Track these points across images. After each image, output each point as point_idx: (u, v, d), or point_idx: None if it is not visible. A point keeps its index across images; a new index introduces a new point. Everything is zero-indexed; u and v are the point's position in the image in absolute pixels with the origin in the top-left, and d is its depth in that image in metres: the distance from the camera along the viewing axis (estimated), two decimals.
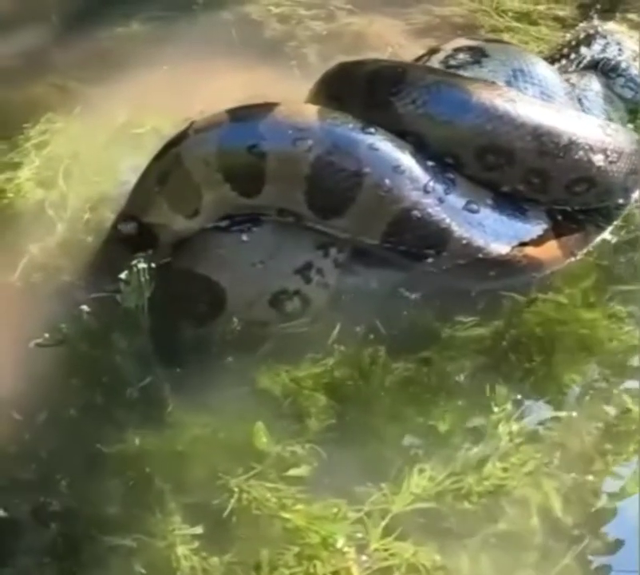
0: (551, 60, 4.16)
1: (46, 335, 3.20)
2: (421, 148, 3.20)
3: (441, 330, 3.16)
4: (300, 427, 2.93)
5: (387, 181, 3.09)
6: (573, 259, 3.37)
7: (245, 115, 3.19)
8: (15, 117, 4.22)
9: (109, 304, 3.23)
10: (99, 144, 4.08)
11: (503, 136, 3.19)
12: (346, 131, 3.11)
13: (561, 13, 4.71)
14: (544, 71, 3.60)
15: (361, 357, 3.09)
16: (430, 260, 3.18)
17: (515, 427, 2.85)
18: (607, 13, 4.67)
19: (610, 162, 3.34)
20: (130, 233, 3.36)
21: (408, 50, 4.49)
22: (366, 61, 3.49)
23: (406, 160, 3.13)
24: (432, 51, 3.69)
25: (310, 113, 3.15)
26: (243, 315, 3.23)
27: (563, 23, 4.66)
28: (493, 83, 3.39)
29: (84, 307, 3.22)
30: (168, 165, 3.27)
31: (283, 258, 3.23)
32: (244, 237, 3.24)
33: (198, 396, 3.09)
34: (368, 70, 3.36)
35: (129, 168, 3.77)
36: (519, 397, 2.98)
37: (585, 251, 3.40)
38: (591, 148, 3.28)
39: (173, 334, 3.22)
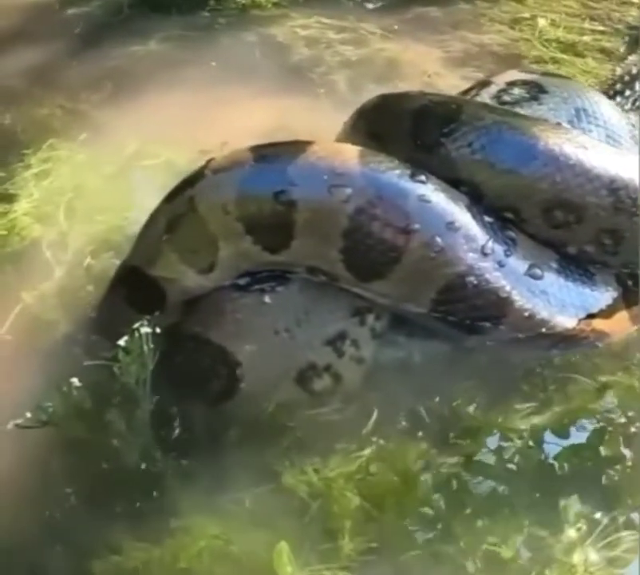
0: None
1: (28, 415, 2.44)
2: (477, 201, 2.49)
3: (495, 418, 2.42)
4: (332, 546, 2.18)
5: (439, 240, 2.37)
6: None
7: (272, 155, 2.47)
8: (15, 142, 3.56)
9: (106, 376, 2.50)
10: (106, 176, 3.39)
11: (574, 190, 2.48)
12: (393, 178, 2.40)
13: (608, 45, 4.01)
14: (609, 110, 2.89)
15: (401, 452, 2.35)
16: (485, 334, 2.45)
17: (593, 555, 2.10)
18: None
19: None
20: (134, 288, 2.64)
21: (445, 80, 3.82)
22: (413, 93, 2.77)
23: (461, 215, 2.41)
24: (483, 84, 2.97)
25: (350, 155, 2.43)
26: (264, 394, 2.51)
27: (610, 56, 3.95)
28: (559, 125, 2.68)
29: (75, 380, 2.46)
30: (180, 210, 2.56)
31: (312, 326, 2.51)
32: (266, 299, 2.51)
33: (208, 496, 2.37)
34: (415, 105, 2.64)
35: (138, 206, 3.06)
36: (597, 515, 2.23)
37: None
38: None
39: (180, 416, 2.50)
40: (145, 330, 2.49)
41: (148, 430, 2.44)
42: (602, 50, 3.98)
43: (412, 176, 2.40)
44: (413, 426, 2.43)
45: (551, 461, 2.32)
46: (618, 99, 3.46)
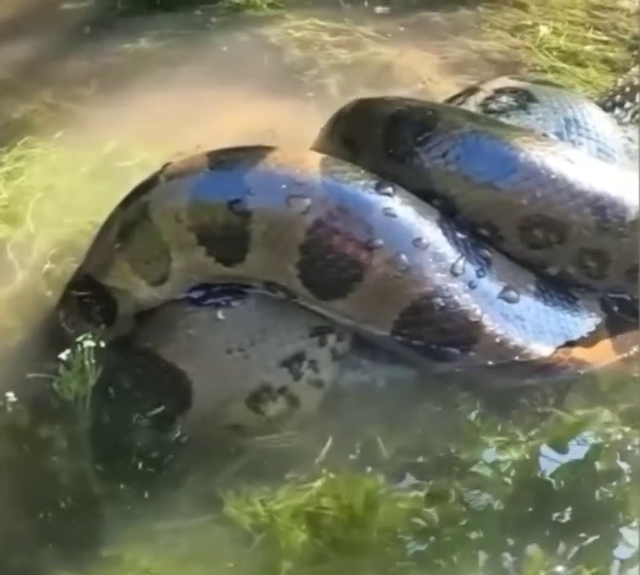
0: (603, 108, 3.15)
1: None
2: (451, 216, 2.19)
3: (462, 451, 2.11)
4: None
5: (404, 258, 2.07)
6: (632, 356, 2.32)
7: (229, 161, 2.17)
8: None
9: (46, 391, 2.21)
10: (80, 176, 3.09)
11: (555, 206, 2.17)
12: (356, 189, 2.10)
13: (611, 55, 3.68)
14: (602, 123, 2.57)
15: (354, 486, 2.04)
16: (453, 360, 2.14)
17: None
18: None
19: None
20: (85, 297, 2.36)
21: (440, 87, 3.51)
22: (390, 98, 2.46)
23: (431, 231, 2.11)
24: (471, 91, 2.66)
25: (312, 163, 2.13)
26: (213, 417, 2.21)
27: (613, 66, 3.62)
28: (544, 135, 2.37)
29: (10, 395, 2.17)
30: (133, 217, 2.27)
31: (268, 345, 2.21)
32: (220, 315, 2.22)
33: (144, 523, 2.07)
34: (390, 111, 2.33)
35: (108, 208, 2.73)
36: (559, 569, 1.91)
37: None
38: None
39: (121, 437, 2.19)
40: (89, 343, 2.21)
41: (84, 452, 2.16)
42: (605, 61, 3.66)
43: (378, 188, 2.10)
44: (370, 457, 2.13)
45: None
46: (617, 111, 3.14)
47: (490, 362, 2.14)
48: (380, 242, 2.06)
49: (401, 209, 2.09)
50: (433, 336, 2.12)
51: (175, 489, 2.12)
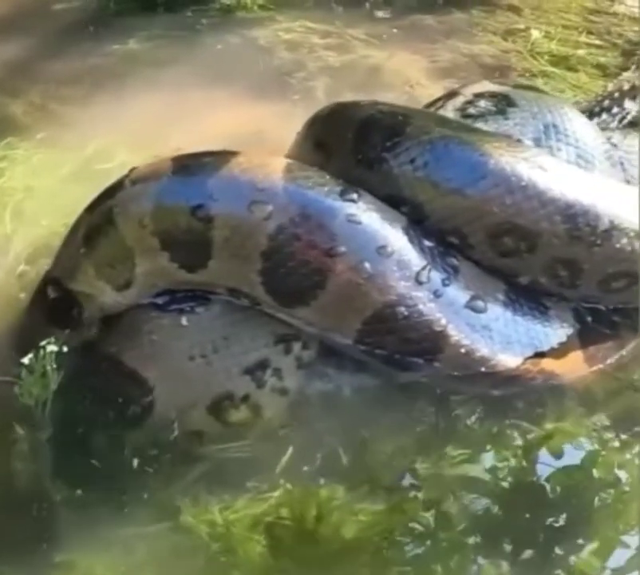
0: (590, 114, 3.07)
1: None
2: (419, 223, 2.12)
3: (420, 464, 2.03)
4: None
5: (367, 265, 2.00)
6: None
7: (193, 166, 2.11)
8: None
9: (8, 395, 2.14)
10: (60, 177, 3.04)
11: (525, 214, 2.10)
12: (319, 196, 2.03)
13: (603, 60, 3.60)
14: (583, 128, 2.48)
15: (312, 497, 1.98)
16: (418, 370, 2.08)
17: None
18: None
19: None
20: (53, 300, 2.31)
21: (428, 91, 3.43)
22: (364, 103, 2.38)
23: (396, 238, 2.04)
24: (450, 95, 2.59)
25: (276, 168, 2.06)
26: (175, 423, 2.14)
27: (605, 71, 3.55)
28: (519, 141, 2.29)
29: None
30: (99, 221, 2.21)
31: (231, 352, 2.15)
32: (184, 321, 2.16)
33: (101, 530, 2.01)
34: (361, 115, 2.26)
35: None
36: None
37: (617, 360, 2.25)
38: (638, 236, 2.18)
39: (81, 443, 2.13)
40: (51, 348, 2.16)
41: (43, 456, 2.10)
42: (597, 65, 3.57)
43: (342, 194, 2.03)
44: (331, 467, 2.06)
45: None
46: (604, 116, 3.06)
47: (455, 373, 2.08)
48: (342, 249, 1.99)
49: (366, 216, 2.02)
50: (397, 345, 2.05)
51: (133, 496, 2.06)
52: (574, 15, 3.88)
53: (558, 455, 2.08)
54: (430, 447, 2.07)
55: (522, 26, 3.76)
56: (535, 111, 2.45)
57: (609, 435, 2.10)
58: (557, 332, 2.19)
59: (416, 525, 1.95)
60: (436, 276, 2.05)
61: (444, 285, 2.05)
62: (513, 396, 2.13)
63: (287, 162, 2.09)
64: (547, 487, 2.00)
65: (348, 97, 3.39)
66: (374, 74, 3.54)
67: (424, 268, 2.04)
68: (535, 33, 3.66)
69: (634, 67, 3.68)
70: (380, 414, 2.14)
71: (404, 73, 3.53)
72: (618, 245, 2.16)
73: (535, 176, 2.11)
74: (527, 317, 2.16)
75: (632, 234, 2.18)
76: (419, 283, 2.03)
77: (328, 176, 2.08)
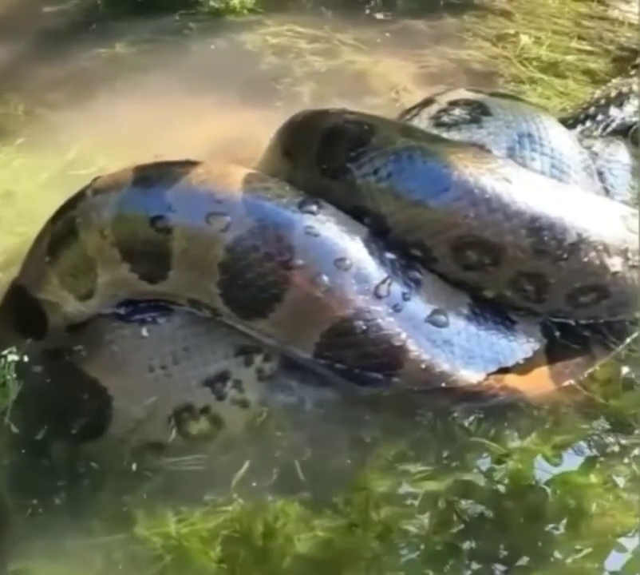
0: (574, 121, 3.01)
1: None
2: (382, 235, 2.08)
3: (381, 481, 2.00)
4: None
5: (325, 279, 1.97)
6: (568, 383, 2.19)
7: (153, 176, 2.09)
8: None
9: None
10: (39, 183, 3.01)
11: (489, 228, 2.05)
12: (277, 207, 2.00)
13: (593, 66, 3.54)
14: (559, 137, 2.43)
15: (262, 512, 1.95)
16: (377, 385, 2.04)
17: None
18: None
19: (631, 267, 2.19)
20: (19, 308, 2.29)
21: (413, 96, 3.35)
22: (331, 111, 2.34)
23: (355, 251, 2.01)
24: (426, 103, 2.54)
25: (235, 179, 2.03)
26: (133, 434, 2.12)
27: (594, 78, 3.48)
28: (488, 152, 2.25)
29: None
30: (62, 231, 2.20)
31: (191, 363, 2.12)
32: (144, 331, 2.14)
33: (55, 539, 1.99)
34: (327, 125, 2.23)
35: None
36: None
37: (586, 377, 2.21)
38: (606, 249, 2.14)
39: (38, 452, 2.11)
40: (12, 357, 2.14)
41: (2, 463, 2.08)
42: (587, 71, 3.51)
43: (301, 206, 2.00)
44: (289, 482, 2.03)
45: None
46: (588, 123, 2.99)
47: (416, 389, 2.04)
48: (300, 262, 1.96)
49: (325, 228, 1.99)
50: (355, 360, 2.02)
51: (91, 506, 2.04)
52: (566, 20, 3.82)
53: (521, 475, 2.04)
54: (390, 464, 2.03)
55: (512, 32, 3.71)
56: (510, 120, 2.40)
57: (572, 454, 2.06)
58: (523, 347, 2.14)
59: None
60: (397, 290, 2.01)
61: (405, 299, 2.02)
62: (476, 413, 2.09)
63: (247, 173, 2.06)
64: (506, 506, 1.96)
65: (334, 102, 3.35)
66: (361, 80, 3.49)
67: (383, 282, 2.00)
68: (525, 39, 3.61)
69: (632, 72, 3.63)
70: (342, 429, 2.11)
71: (391, 79, 3.49)
72: (585, 259, 2.12)
73: (500, 189, 2.07)
74: (492, 331, 2.11)
75: (601, 247, 2.14)
76: (378, 296, 1.99)
77: (288, 187, 2.05)
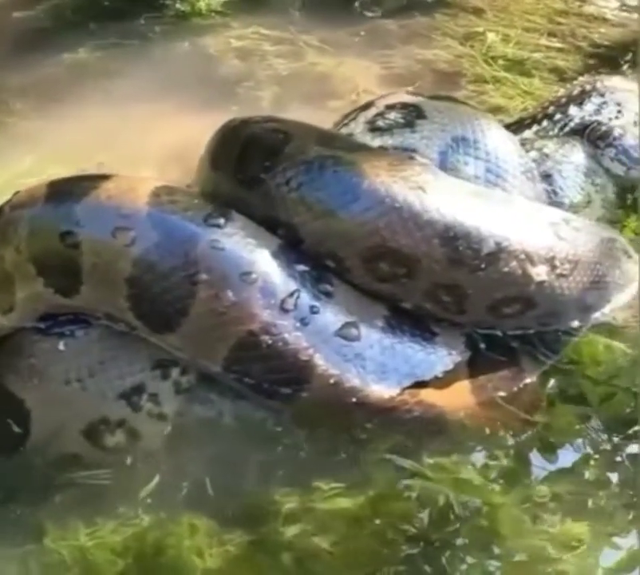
0: (531, 121, 2.98)
1: None
2: (295, 246, 2.07)
3: (288, 499, 1.98)
4: None
5: (229, 293, 1.96)
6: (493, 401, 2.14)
7: (64, 191, 2.09)
8: None
9: None
10: None
11: (401, 238, 2.03)
12: (182, 221, 2.00)
13: (561, 64, 3.48)
14: (498, 140, 2.39)
15: (173, 527, 1.95)
16: (287, 400, 2.03)
17: None
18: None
19: (560, 275, 2.15)
20: None
21: None
22: (255, 118, 2.32)
23: (261, 264, 1.99)
24: (364, 107, 2.52)
25: (142, 193, 2.03)
26: (50, 447, 2.14)
27: (562, 76, 3.42)
28: (410, 159, 2.23)
29: None
30: None
31: (107, 376, 2.12)
32: (61, 345, 2.14)
33: None
34: (245, 133, 2.22)
35: None
36: None
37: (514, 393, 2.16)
38: (529, 258, 2.10)
39: None
40: None
41: None
42: (554, 69, 3.46)
43: (207, 219, 1.99)
44: (198, 497, 2.03)
45: None
46: (545, 123, 2.95)
47: (325, 405, 2.02)
48: (204, 276, 1.96)
49: (230, 241, 1.98)
50: (263, 374, 2.00)
51: (4, 517, 2.06)
52: (539, 17, 3.77)
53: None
54: (303, 480, 2.02)
55: (482, 30, 3.67)
56: (445, 123, 2.37)
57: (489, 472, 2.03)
58: (443, 360, 2.11)
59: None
60: (305, 303, 2.00)
61: (313, 312, 2.00)
62: (391, 429, 2.06)
63: (156, 186, 2.05)
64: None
65: (295, 106, 3.36)
66: (324, 82, 3.48)
67: (291, 295, 1.99)
68: (491, 36, 3.56)
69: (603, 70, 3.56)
70: (256, 444, 2.10)
71: (355, 81, 3.46)
72: (506, 269, 2.08)
73: (412, 197, 2.04)
74: (408, 344, 2.08)
75: (523, 256, 2.11)
76: (284, 310, 1.98)
77: (196, 200, 2.05)
